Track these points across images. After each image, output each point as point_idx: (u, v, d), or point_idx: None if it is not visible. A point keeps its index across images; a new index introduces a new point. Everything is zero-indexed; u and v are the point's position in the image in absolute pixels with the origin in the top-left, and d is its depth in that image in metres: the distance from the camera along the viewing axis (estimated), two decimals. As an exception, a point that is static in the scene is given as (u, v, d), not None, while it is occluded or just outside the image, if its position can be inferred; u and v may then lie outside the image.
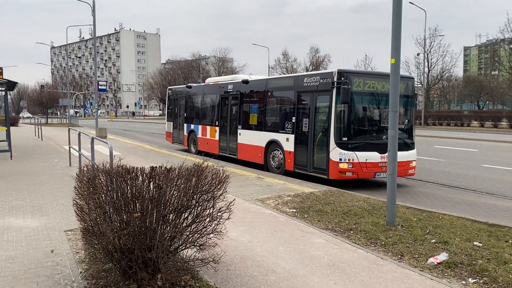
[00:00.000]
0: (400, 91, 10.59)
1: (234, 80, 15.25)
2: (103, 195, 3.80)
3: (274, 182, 10.46)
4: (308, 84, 11.08)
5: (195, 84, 18.83)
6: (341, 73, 10.10)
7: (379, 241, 5.91)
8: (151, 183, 3.85)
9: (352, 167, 10.07)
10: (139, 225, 3.73)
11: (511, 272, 4.78)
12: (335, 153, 10.08)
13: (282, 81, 12.76)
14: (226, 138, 15.02)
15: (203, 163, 4.19)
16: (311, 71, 64.96)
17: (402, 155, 10.43)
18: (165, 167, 4.01)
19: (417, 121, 41.39)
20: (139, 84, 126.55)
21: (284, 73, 64.23)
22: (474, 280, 4.65)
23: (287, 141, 11.68)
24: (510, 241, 5.89)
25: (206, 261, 4.18)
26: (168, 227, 3.94)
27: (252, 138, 13.39)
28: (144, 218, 3.75)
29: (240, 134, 14.03)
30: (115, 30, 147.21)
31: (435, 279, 4.64)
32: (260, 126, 13.08)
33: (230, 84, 15.02)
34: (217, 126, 15.55)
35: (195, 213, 4.03)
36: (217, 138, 15.52)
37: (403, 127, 11.36)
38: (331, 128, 10.17)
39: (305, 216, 7.24)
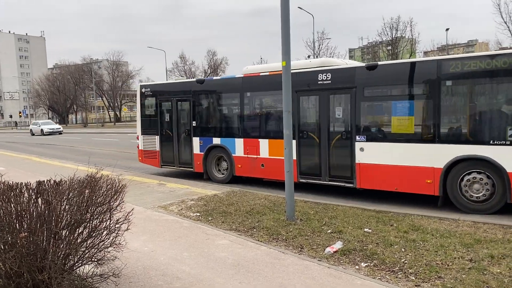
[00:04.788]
0: None
1: (330, 65, 9.60)
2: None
3: (177, 187, 10.32)
4: None
5: (215, 77, 13.66)
6: None
7: (280, 236, 6.16)
8: (39, 198, 3.58)
9: None
10: (27, 246, 3.45)
11: (396, 253, 5.31)
12: None
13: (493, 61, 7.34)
14: (313, 155, 9.58)
15: (97, 174, 4.00)
16: (209, 74, 65.01)
17: None
18: (54, 181, 3.75)
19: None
20: (23, 92, 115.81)
21: (182, 77, 62.86)
22: (366, 264, 5.06)
23: None
24: (395, 224, 6.53)
25: (105, 276, 3.99)
26: (61, 245, 3.69)
27: (398, 155, 8.35)
28: (32, 238, 3.47)
29: (361, 149, 8.75)
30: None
31: (332, 267, 4.97)
32: (418, 135, 8.21)
33: (322, 72, 9.27)
34: (292, 138, 8.17)
35: (91, 227, 3.83)
36: (293, 156, 8.71)
37: None
38: None
39: (209, 218, 7.27)
